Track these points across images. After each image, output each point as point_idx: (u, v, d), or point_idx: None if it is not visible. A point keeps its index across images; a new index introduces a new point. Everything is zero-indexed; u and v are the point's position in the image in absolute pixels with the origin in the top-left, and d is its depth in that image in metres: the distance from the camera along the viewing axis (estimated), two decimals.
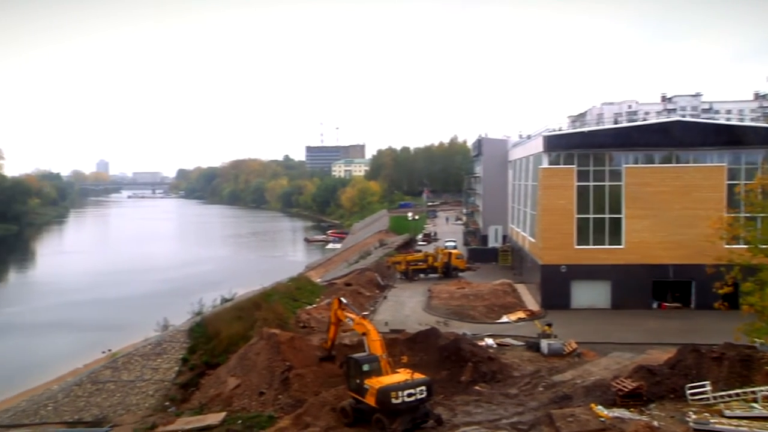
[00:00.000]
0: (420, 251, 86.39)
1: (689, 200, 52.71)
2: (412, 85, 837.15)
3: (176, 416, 35.05)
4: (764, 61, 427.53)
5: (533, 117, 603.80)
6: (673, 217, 52.76)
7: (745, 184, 48.07)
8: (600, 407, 26.77)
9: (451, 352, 36.36)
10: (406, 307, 57.04)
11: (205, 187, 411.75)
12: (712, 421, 24.63)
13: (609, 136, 56.98)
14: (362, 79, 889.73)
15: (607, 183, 54.74)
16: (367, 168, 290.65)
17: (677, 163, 54.20)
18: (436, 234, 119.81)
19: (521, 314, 52.89)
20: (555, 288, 55.04)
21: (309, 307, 55.41)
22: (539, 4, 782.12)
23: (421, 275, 73.09)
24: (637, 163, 54.66)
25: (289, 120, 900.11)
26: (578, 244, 54.87)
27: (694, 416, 25.29)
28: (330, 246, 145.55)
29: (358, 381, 28.41)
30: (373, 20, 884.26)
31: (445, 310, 54.49)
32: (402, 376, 27.73)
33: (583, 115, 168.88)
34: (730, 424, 24.28)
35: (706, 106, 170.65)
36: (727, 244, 35.93)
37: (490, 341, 43.54)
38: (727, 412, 25.40)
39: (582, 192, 54.86)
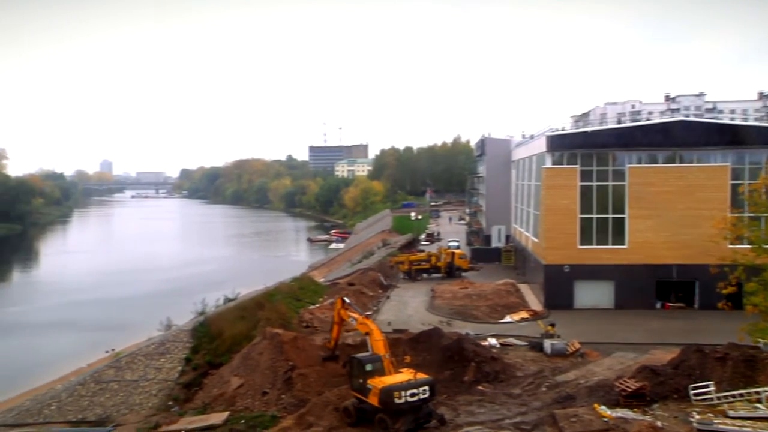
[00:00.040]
0: (423, 251, 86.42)
1: (693, 200, 52.61)
2: (415, 85, 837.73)
3: (179, 416, 35.07)
4: (767, 61, 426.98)
5: (536, 117, 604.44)
6: (677, 217, 52.67)
7: (749, 184, 47.95)
8: (603, 407, 26.74)
9: (454, 352, 36.34)
10: (409, 307, 57.03)
11: (208, 186, 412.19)
12: (715, 421, 24.58)
13: (612, 135, 56.93)
14: (365, 79, 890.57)
15: (610, 183, 54.65)
16: (370, 168, 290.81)
17: (681, 162, 54.07)
18: (439, 234, 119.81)
19: (524, 314, 52.84)
20: (558, 288, 54.98)
21: (312, 306, 55.43)
22: (542, 3, 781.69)
23: (424, 275, 73.07)
24: (640, 163, 54.58)
25: (292, 120, 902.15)
26: (581, 244, 54.80)
27: (697, 416, 25.25)
28: (333, 246, 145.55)
29: (361, 381, 28.40)
30: (377, 20, 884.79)
31: (448, 309, 54.47)
32: (405, 375, 27.73)
33: (586, 114, 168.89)
34: (734, 425, 24.25)
35: (710, 106, 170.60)
36: (731, 244, 35.92)
37: (493, 341, 43.50)
38: (731, 413, 25.36)
39: (585, 192, 54.79)
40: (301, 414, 30.53)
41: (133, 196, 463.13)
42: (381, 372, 28.22)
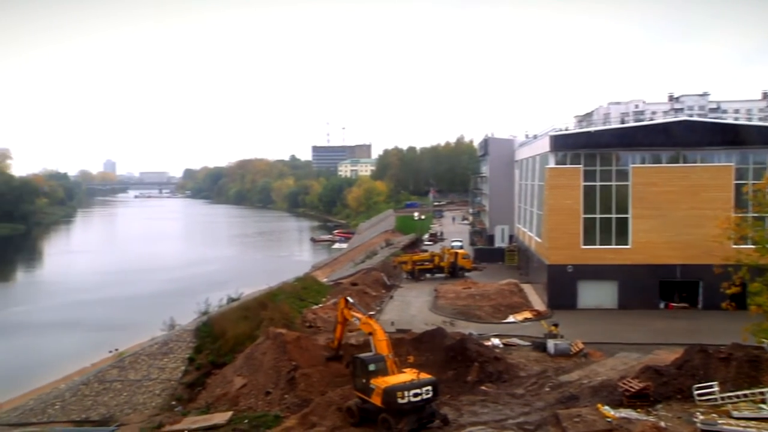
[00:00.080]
0: (426, 251, 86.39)
1: (696, 200, 52.51)
2: (418, 85, 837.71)
3: (183, 415, 35.11)
4: None
5: (539, 117, 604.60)
6: (681, 217, 52.59)
7: (753, 183, 47.90)
8: (607, 407, 26.71)
9: (457, 352, 36.31)
10: (413, 307, 57.03)
11: (211, 186, 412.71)
12: (719, 422, 24.53)
13: (616, 135, 56.84)
14: (369, 79, 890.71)
15: (613, 183, 54.59)
16: (373, 168, 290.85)
17: (684, 162, 53.99)
18: (442, 234, 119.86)
19: (528, 314, 52.80)
20: (561, 288, 54.93)
21: (315, 306, 55.45)
22: (545, 3, 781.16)
23: (428, 275, 73.08)
24: (644, 163, 54.51)
25: (296, 120, 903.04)
26: (585, 244, 54.74)
27: (701, 417, 25.20)
28: (336, 246, 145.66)
29: (364, 381, 28.39)
30: (379, 20, 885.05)
31: (452, 309, 54.47)
32: (408, 375, 27.70)
33: (589, 114, 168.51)
34: (738, 425, 24.19)
35: (714, 106, 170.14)
36: (735, 244, 35.85)
37: (496, 341, 43.48)
38: (735, 413, 25.31)
39: (589, 192, 54.73)
40: (304, 414, 30.54)
41: (136, 196, 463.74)
42: (384, 372, 28.19)
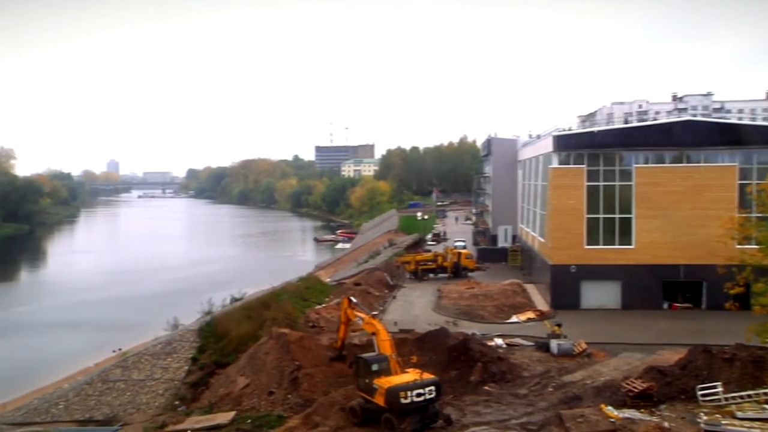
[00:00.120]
0: (429, 251, 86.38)
1: (700, 200, 52.42)
2: (421, 85, 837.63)
3: (186, 415, 35.16)
4: None
5: (543, 117, 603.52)
6: (684, 217, 52.50)
7: (757, 183, 47.67)
8: (610, 408, 26.66)
9: (460, 352, 36.30)
10: (416, 307, 57.03)
11: (214, 186, 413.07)
12: (723, 422, 24.47)
13: (619, 135, 56.77)
14: (372, 79, 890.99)
15: (617, 183, 54.52)
16: (376, 168, 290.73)
17: (688, 162, 53.90)
18: (445, 234, 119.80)
19: (531, 314, 52.76)
20: (565, 288, 54.88)
21: (318, 306, 55.46)
22: (548, 3, 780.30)
23: (431, 275, 73.05)
24: (647, 163, 54.43)
25: (299, 120, 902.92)
26: (588, 244, 54.69)
27: (705, 417, 25.14)
28: (339, 246, 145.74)
29: (367, 381, 28.40)
30: (383, 20, 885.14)
31: (455, 310, 54.44)
32: (411, 375, 27.70)
33: (593, 114, 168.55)
34: (742, 426, 24.12)
35: (718, 106, 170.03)
36: (739, 244, 35.73)
37: (499, 341, 43.45)
38: (739, 414, 25.24)
39: (592, 192, 54.67)
40: (307, 414, 30.57)
41: (139, 196, 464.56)
42: (387, 372, 28.19)
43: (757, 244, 34.04)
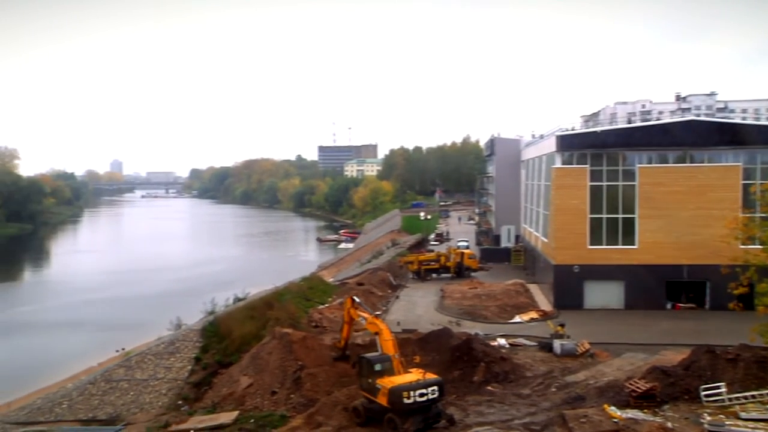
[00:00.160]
0: (432, 251, 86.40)
1: (704, 200, 52.31)
2: (424, 85, 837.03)
3: (189, 415, 35.19)
4: None
5: (546, 116, 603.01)
6: (688, 217, 52.40)
7: (761, 183, 47.60)
8: (613, 408, 26.65)
9: (463, 352, 36.29)
10: (419, 307, 57.00)
11: (217, 186, 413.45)
12: (727, 423, 24.43)
13: (622, 135, 56.68)
14: (375, 79, 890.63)
15: (620, 183, 54.41)
16: (379, 168, 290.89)
17: (691, 162, 53.78)
18: (448, 234, 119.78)
19: (534, 314, 52.71)
20: (568, 288, 54.81)
21: (321, 306, 55.49)
22: (551, 3, 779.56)
23: (434, 275, 73.03)
24: (650, 163, 54.34)
25: (302, 120, 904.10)
26: (591, 245, 54.61)
27: (708, 418, 25.11)
28: (342, 246, 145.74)
29: (370, 380, 28.40)
30: (386, 20, 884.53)
31: (458, 310, 54.41)
32: (414, 375, 27.70)
33: (596, 114, 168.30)
34: (746, 427, 24.10)
35: (721, 106, 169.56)
36: (743, 244, 35.65)
37: (502, 341, 43.42)
38: (743, 414, 25.21)
39: (595, 192, 54.60)
40: (310, 413, 30.58)
41: (143, 196, 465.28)
42: (390, 372, 28.21)
43: (760, 244, 33.95)
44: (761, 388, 27.13)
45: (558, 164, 55.76)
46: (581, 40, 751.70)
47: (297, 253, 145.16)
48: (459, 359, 36.05)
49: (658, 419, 25.47)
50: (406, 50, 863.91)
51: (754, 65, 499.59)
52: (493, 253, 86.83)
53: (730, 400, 26.69)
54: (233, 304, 55.40)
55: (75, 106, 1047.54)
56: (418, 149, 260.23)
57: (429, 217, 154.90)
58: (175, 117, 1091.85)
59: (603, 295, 54.59)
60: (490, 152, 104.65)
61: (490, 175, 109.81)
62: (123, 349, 56.04)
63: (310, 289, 61.54)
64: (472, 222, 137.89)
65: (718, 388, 27.28)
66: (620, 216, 54.39)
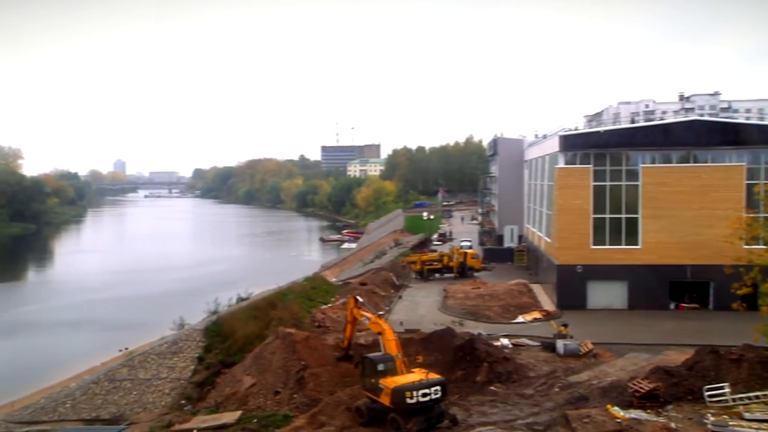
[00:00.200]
0: (435, 251, 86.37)
1: (707, 200, 52.21)
2: (427, 85, 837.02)
3: (192, 415, 35.22)
4: None
5: (549, 116, 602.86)
6: (691, 217, 52.32)
7: (765, 183, 47.55)
8: (616, 408, 26.62)
9: (466, 352, 36.27)
10: (422, 307, 56.99)
11: (220, 186, 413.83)
12: (731, 423, 24.39)
13: (625, 135, 56.57)
14: (378, 79, 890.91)
15: (623, 183, 54.36)
16: (382, 168, 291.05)
17: (695, 162, 53.69)
18: (451, 234, 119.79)
19: (537, 314, 52.67)
20: (571, 288, 54.74)
21: (324, 306, 55.52)
22: (554, 3, 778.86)
23: (437, 275, 73.02)
24: (654, 163, 54.26)
25: (305, 120, 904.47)
26: (594, 245, 54.55)
27: (712, 418, 25.07)
28: (345, 245, 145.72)
29: (373, 380, 28.39)
30: (389, 20, 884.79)
31: (461, 309, 54.40)
32: (417, 375, 27.69)
33: (599, 114, 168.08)
34: (750, 427, 24.04)
35: (725, 105, 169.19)
36: (746, 244, 35.56)
37: (505, 341, 43.39)
38: (747, 415, 25.16)
39: (598, 192, 54.53)
40: (313, 413, 30.58)
41: (146, 196, 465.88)
42: (393, 372, 28.19)
43: (764, 244, 33.97)
44: (765, 388, 27.07)
45: (561, 164, 55.71)
46: (584, 39, 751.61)
47: (300, 253, 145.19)
48: (462, 359, 36.03)
49: (661, 419, 25.42)
50: (410, 50, 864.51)
51: (756, 65, 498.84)
52: (496, 253, 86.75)
53: (733, 400, 26.64)
54: (236, 303, 55.44)
55: (78, 106, 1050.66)
56: (421, 149, 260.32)
57: (432, 217, 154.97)
58: (178, 117, 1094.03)
59: (606, 295, 54.53)
60: (493, 152, 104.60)
61: (493, 175, 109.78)
62: (126, 348, 56.07)
63: (313, 289, 61.60)
64: (475, 222, 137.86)
65: (721, 388, 27.22)
66: (623, 216, 54.32)
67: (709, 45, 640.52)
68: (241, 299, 57.42)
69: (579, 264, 54.54)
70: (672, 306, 54.22)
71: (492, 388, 33.58)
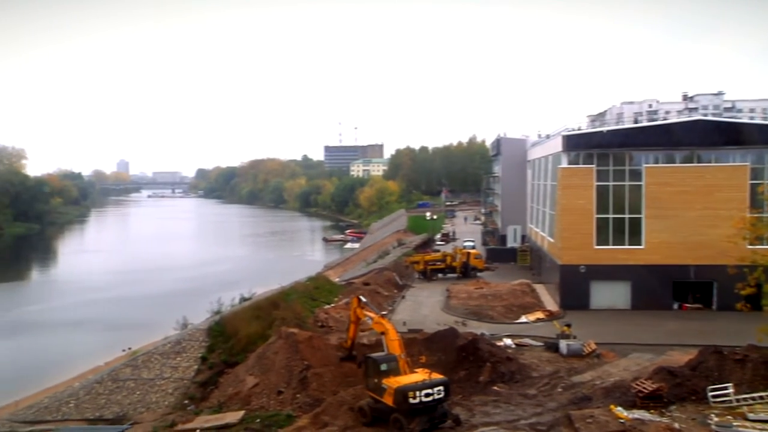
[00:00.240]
0: (438, 251, 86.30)
1: (711, 200, 52.11)
2: (430, 85, 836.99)
3: (195, 414, 35.25)
4: None
5: (552, 116, 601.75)
6: (695, 217, 52.23)
7: None
8: (619, 408, 26.58)
9: (469, 352, 36.26)
10: (425, 307, 56.98)
11: (224, 186, 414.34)
12: (735, 424, 24.34)
13: (629, 135, 56.49)
14: (381, 79, 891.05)
15: (627, 183, 54.28)
16: (385, 168, 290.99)
17: (699, 162, 53.58)
18: (454, 234, 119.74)
19: (540, 314, 52.63)
20: (574, 288, 54.68)
21: (327, 306, 55.51)
22: (557, 3, 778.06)
23: (440, 275, 72.99)
24: (657, 163, 54.17)
25: (308, 120, 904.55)
26: (598, 245, 54.47)
27: (716, 419, 25.02)
28: (348, 245, 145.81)
29: (376, 380, 28.40)
30: (392, 19, 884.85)
31: (464, 310, 54.37)
32: (420, 375, 27.68)
33: (602, 114, 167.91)
34: (754, 428, 23.99)
35: (729, 105, 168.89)
36: (750, 244, 35.52)
37: (508, 341, 43.36)
38: (751, 416, 25.10)
39: (602, 192, 54.46)
40: (316, 413, 30.59)
41: (149, 196, 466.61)
42: (396, 372, 28.18)
43: None
44: None
45: (564, 164, 55.64)
46: (587, 39, 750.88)
47: (303, 252, 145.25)
48: (465, 359, 36.02)
49: (664, 420, 25.39)
50: (412, 50, 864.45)
51: (760, 64, 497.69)
52: (499, 253, 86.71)
53: (737, 401, 26.58)
54: (239, 303, 55.49)
55: (82, 107, 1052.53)
56: (424, 149, 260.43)
57: (435, 217, 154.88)
58: (182, 117, 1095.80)
59: (609, 295, 54.45)
60: (496, 152, 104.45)
61: (496, 175, 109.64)
62: (130, 348, 56.16)
63: (316, 289, 61.60)
64: (478, 222, 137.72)
65: (725, 388, 27.17)
66: (627, 216, 54.24)
67: (712, 44, 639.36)
68: (244, 299, 57.48)
69: (582, 264, 54.48)
70: (675, 306, 54.12)
71: (495, 388, 33.57)
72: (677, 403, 27.66)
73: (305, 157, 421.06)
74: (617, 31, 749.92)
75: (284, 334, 38.58)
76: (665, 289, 53.56)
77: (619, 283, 54.25)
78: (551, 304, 56.82)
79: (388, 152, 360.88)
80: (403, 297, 62.26)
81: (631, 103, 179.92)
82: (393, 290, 65.34)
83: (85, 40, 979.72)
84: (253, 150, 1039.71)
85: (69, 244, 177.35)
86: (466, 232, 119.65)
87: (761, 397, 26.49)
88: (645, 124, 78.14)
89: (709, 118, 74.27)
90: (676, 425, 24.59)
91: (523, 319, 51.88)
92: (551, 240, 62.01)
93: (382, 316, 32.96)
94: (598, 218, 54.45)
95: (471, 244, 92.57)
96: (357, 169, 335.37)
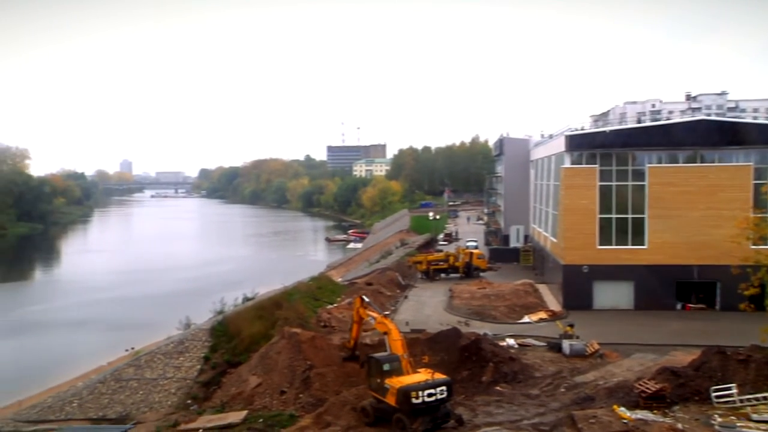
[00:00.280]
0: (441, 251, 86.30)
1: (714, 200, 52.01)
2: (433, 85, 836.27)
3: (198, 414, 35.30)
4: None
5: (555, 116, 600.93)
6: (698, 217, 52.15)
7: None
8: (623, 409, 26.55)
9: (472, 353, 36.25)
10: (427, 307, 56.98)
11: (226, 186, 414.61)
12: (738, 424, 24.30)
13: (632, 135, 56.44)
14: (383, 79, 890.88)
15: (630, 183, 54.22)
16: (388, 168, 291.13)
17: (702, 162, 53.50)
18: (457, 234, 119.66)
19: (543, 314, 52.60)
20: (577, 288, 54.64)
21: (330, 306, 55.53)
22: (561, 3, 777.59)
23: (442, 275, 72.99)
24: (660, 163, 54.09)
25: (311, 120, 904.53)
26: (600, 245, 54.42)
27: (719, 419, 24.98)
28: (351, 245, 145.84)
29: (378, 380, 28.41)
30: (395, 19, 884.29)
31: (467, 310, 54.36)
32: (422, 375, 27.68)
33: (605, 114, 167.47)
34: (758, 428, 23.95)
35: (732, 105, 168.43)
36: (754, 244, 35.49)
37: (511, 341, 43.35)
38: (755, 416, 25.06)
39: (604, 192, 54.41)
40: (319, 413, 30.62)
41: (152, 196, 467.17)
42: (399, 372, 28.19)
43: None
44: None
45: (567, 164, 55.60)
46: (590, 39, 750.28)
47: (306, 252, 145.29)
48: (468, 359, 36.01)
49: (668, 420, 25.35)
50: (415, 50, 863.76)
51: (760, 65, 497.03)
52: (502, 253, 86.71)
53: (741, 401, 26.53)
54: (242, 303, 55.58)
55: (85, 107, 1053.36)
56: (426, 149, 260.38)
57: (438, 217, 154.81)
58: (184, 117, 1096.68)
59: (612, 295, 54.40)
60: (499, 152, 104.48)
61: (499, 175, 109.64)
62: (132, 348, 56.25)
63: (319, 289, 61.60)
64: (480, 222, 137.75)
65: (729, 389, 27.12)
66: (630, 216, 54.17)
67: (713, 45, 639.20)
68: (246, 299, 57.55)
69: (585, 264, 54.43)
70: (678, 306, 54.05)
71: (498, 388, 33.56)
72: (680, 403, 27.61)
73: (308, 157, 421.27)
74: (618, 31, 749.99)
75: (287, 334, 38.63)
76: (668, 290, 53.51)
77: (622, 283, 54.20)
78: (554, 304, 56.79)
79: (390, 152, 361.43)
80: (406, 297, 62.27)
81: (634, 103, 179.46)
82: (396, 290, 65.33)
83: (86, 40, 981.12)
84: (256, 150, 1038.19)
85: (72, 244, 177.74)
86: (468, 232, 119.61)
87: (765, 398, 26.43)
88: (648, 124, 77.87)
89: (712, 118, 74.03)
90: (679, 426, 24.55)
91: (526, 319, 51.86)
92: (554, 240, 61.97)
93: (385, 316, 32.95)
94: (601, 218, 54.40)
95: (474, 244, 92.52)
96: (360, 169, 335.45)
